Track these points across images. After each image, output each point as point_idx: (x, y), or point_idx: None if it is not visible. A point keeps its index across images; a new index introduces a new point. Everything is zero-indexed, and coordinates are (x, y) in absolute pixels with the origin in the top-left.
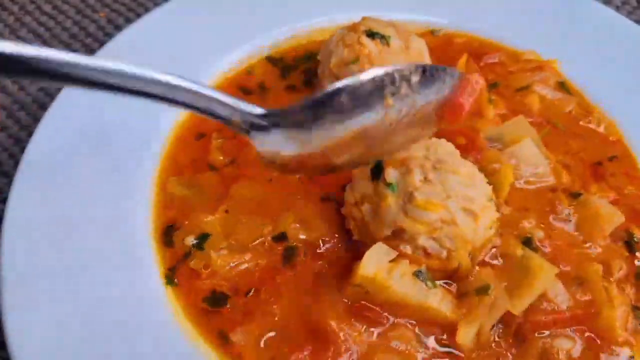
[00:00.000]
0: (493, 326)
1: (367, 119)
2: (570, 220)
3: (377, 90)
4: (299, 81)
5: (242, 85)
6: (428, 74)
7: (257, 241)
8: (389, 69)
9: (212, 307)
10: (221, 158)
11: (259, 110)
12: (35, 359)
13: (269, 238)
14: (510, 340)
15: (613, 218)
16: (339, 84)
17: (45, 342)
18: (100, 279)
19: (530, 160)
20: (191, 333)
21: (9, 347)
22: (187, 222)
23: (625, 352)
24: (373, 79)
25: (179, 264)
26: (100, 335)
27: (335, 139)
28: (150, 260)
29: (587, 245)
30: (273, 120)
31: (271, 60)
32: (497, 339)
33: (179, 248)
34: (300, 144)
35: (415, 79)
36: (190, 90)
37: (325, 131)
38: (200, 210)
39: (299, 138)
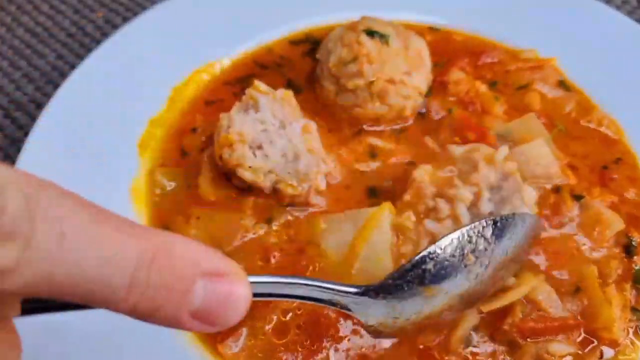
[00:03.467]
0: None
1: (453, 284)
2: (570, 225)
3: (458, 251)
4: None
5: (259, 61)
6: (500, 225)
7: (242, 236)
8: (463, 229)
9: None
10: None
11: (354, 289)
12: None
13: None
14: (505, 347)
15: (613, 224)
16: (423, 252)
17: (42, 342)
18: None
19: (541, 160)
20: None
21: None
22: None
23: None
24: (451, 242)
25: None
26: (95, 339)
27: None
28: None
29: (585, 249)
30: (370, 294)
31: (293, 42)
32: (491, 344)
33: None
34: (397, 311)
35: (488, 232)
36: (292, 283)
37: (416, 298)
38: (186, 203)
39: (396, 306)
